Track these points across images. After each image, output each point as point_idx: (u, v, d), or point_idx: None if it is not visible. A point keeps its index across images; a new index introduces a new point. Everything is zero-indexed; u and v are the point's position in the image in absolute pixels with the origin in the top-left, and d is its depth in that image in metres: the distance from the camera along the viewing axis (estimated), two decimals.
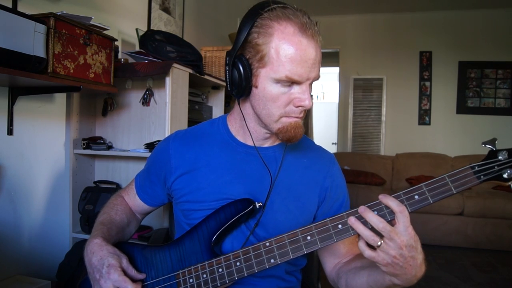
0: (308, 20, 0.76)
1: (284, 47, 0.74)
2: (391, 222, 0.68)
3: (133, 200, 1.02)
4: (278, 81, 0.76)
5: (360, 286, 0.80)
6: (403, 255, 0.66)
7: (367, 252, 0.68)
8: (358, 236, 0.70)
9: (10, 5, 1.48)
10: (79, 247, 1.61)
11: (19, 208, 1.61)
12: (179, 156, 0.92)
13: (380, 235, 0.67)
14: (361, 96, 5.20)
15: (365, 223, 0.69)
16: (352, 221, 0.69)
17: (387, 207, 0.69)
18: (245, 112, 0.87)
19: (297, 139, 0.82)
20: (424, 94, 4.96)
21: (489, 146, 0.70)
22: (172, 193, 0.94)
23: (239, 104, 0.88)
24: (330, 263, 0.94)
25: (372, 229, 0.68)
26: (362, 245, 0.69)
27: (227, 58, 0.81)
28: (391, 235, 0.66)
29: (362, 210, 0.69)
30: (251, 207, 0.82)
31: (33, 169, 1.68)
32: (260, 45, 0.76)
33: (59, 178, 1.81)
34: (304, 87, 0.78)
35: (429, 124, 4.95)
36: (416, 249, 0.68)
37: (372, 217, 0.67)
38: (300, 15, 0.76)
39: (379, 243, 0.67)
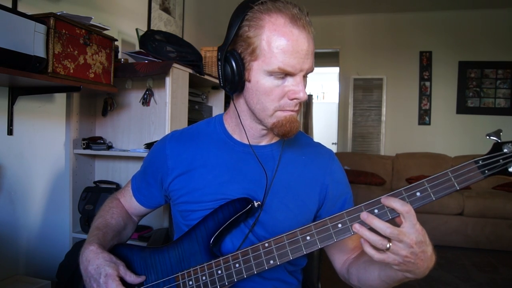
0: (298, 11, 0.75)
1: (276, 39, 0.73)
2: (395, 219, 0.67)
3: (130, 202, 1.01)
4: (271, 73, 0.75)
5: (372, 281, 0.78)
6: (414, 253, 0.65)
7: (377, 256, 0.66)
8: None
9: (10, 5, 1.48)
10: (79, 247, 1.61)
11: (19, 208, 1.61)
12: (176, 157, 0.90)
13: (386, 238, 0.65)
14: (361, 96, 5.20)
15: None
16: (357, 227, 0.67)
17: (391, 210, 0.67)
18: (239, 109, 0.86)
19: (293, 133, 0.81)
20: (424, 94, 4.96)
21: (494, 138, 0.66)
22: (170, 194, 0.93)
23: (233, 100, 0.87)
24: (339, 260, 0.92)
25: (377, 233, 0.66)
26: (370, 250, 0.67)
27: (219, 53, 0.80)
28: (399, 237, 0.64)
29: (365, 216, 0.67)
30: (249, 206, 0.81)
31: (33, 169, 1.68)
32: (251, 37, 0.75)
33: (59, 178, 1.81)
34: (298, 79, 0.76)
35: (429, 124, 4.94)
36: (425, 243, 0.66)
37: (378, 223, 0.65)
38: (291, 6, 0.75)
39: (388, 245, 0.65)
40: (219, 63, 0.80)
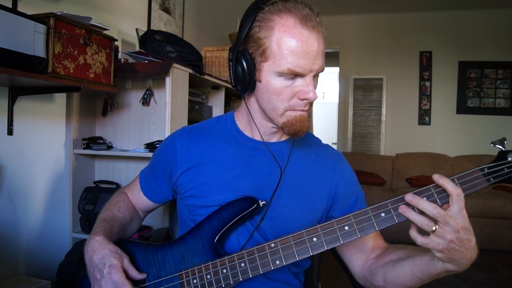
0: (309, 11, 0.76)
1: (285, 40, 0.74)
2: (442, 207, 0.66)
3: (137, 197, 1.01)
4: (280, 74, 0.76)
5: (402, 277, 0.75)
6: (459, 238, 0.64)
7: (420, 239, 0.65)
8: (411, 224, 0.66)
9: (10, 5, 1.47)
10: (79, 247, 1.61)
11: (19, 208, 1.61)
12: (186, 151, 0.91)
13: (432, 220, 0.64)
14: (361, 96, 5.20)
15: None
16: (404, 209, 0.66)
17: (439, 192, 0.66)
18: (251, 107, 0.87)
19: (303, 132, 0.82)
20: (424, 94, 4.96)
21: (499, 147, 0.68)
22: (177, 188, 0.93)
23: (244, 99, 0.88)
24: (358, 261, 0.89)
25: (423, 215, 0.65)
26: (413, 233, 0.65)
27: (230, 54, 0.81)
28: (446, 219, 0.63)
29: (411, 198, 0.66)
30: (254, 205, 0.81)
31: (33, 169, 1.67)
32: (261, 39, 0.76)
33: (59, 178, 1.81)
34: (308, 79, 0.77)
35: (429, 124, 4.95)
36: (470, 231, 0.66)
37: (424, 204, 0.64)
38: (301, 7, 0.76)
39: (434, 228, 0.63)
40: (231, 63, 0.81)
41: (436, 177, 0.66)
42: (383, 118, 5.10)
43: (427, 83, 4.95)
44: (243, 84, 0.81)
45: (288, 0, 0.77)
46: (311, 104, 0.81)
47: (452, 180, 0.67)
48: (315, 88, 0.78)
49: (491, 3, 4.56)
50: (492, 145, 0.68)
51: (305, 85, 0.77)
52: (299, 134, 0.82)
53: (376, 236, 0.90)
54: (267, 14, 0.76)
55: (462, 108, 4.85)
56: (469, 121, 4.80)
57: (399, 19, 5.01)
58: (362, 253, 0.89)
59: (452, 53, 4.83)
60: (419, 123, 4.98)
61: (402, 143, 4.92)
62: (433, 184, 0.67)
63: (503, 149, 0.68)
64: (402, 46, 4.98)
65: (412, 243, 0.68)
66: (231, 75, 0.82)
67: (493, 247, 3.49)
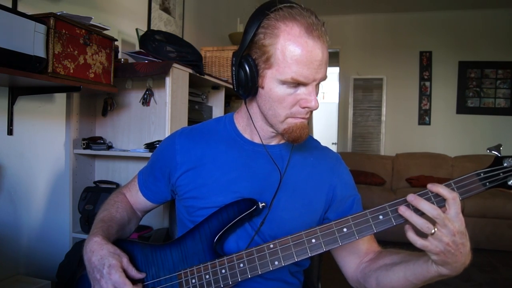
0: (315, 20, 0.76)
1: (290, 49, 0.74)
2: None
3: (135, 197, 1.01)
4: (284, 82, 0.76)
5: (396, 282, 0.76)
6: (455, 242, 0.65)
7: (420, 242, 0.66)
8: (409, 225, 0.67)
9: (10, 5, 1.47)
10: (79, 247, 1.61)
11: (19, 208, 1.61)
12: (185, 152, 0.91)
13: (431, 222, 0.65)
14: (361, 96, 5.20)
15: (415, 211, 0.67)
16: (403, 210, 0.67)
17: (435, 196, 0.68)
18: (251, 111, 0.87)
19: (302, 139, 0.82)
20: (424, 94, 4.96)
21: (495, 153, 0.70)
22: (176, 189, 0.93)
23: (245, 103, 0.88)
24: (352, 264, 0.90)
25: (423, 217, 0.66)
26: (412, 235, 0.66)
27: (234, 59, 0.81)
28: (445, 221, 0.64)
29: (412, 198, 0.67)
30: (254, 207, 0.81)
31: (33, 169, 1.67)
32: (266, 46, 0.76)
33: (59, 178, 1.81)
34: (311, 88, 0.77)
35: (429, 124, 4.95)
36: (466, 236, 0.67)
37: (425, 205, 0.66)
38: (307, 15, 0.76)
39: (432, 230, 0.65)
40: (234, 68, 0.81)
41: (430, 186, 0.68)
42: (383, 118, 5.10)
43: (427, 83, 4.95)
44: (245, 89, 0.81)
45: (293, 6, 0.77)
46: (311, 112, 0.81)
47: (449, 185, 0.69)
48: (316, 95, 0.79)
49: (491, 3, 4.56)
50: (488, 151, 0.71)
51: (307, 93, 0.77)
52: (299, 141, 0.82)
53: (370, 240, 0.91)
54: (272, 21, 0.76)
55: (462, 108, 4.85)
56: (469, 121, 4.80)
57: (399, 19, 5.01)
58: (356, 256, 0.90)
59: (452, 53, 4.84)
60: (419, 123, 4.98)
61: (402, 143, 4.92)
62: None
63: (499, 155, 0.69)
64: (402, 46, 4.98)
65: (407, 243, 0.69)
66: (234, 80, 0.82)
67: (493, 247, 3.49)
